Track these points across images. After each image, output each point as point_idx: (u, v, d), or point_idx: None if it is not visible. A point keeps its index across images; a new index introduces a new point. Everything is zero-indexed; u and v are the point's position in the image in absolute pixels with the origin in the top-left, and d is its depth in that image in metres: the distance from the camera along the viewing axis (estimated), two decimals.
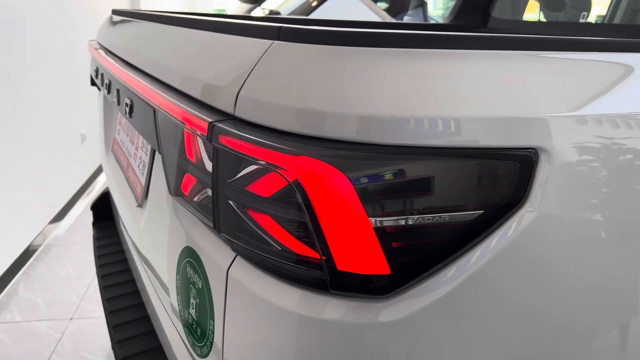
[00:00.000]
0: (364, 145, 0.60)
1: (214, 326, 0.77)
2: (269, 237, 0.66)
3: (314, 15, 4.27)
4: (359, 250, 0.62)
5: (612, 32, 1.81)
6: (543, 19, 2.86)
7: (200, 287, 0.81)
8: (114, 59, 1.28)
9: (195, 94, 0.77)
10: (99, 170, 4.10)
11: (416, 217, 0.62)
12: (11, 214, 2.61)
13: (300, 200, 0.61)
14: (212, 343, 0.78)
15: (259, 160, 0.62)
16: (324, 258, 0.63)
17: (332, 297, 0.65)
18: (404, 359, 0.65)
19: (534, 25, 2.27)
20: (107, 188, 1.79)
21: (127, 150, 1.39)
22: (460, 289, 0.64)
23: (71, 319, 2.32)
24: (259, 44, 0.70)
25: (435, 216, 0.62)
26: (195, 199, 0.80)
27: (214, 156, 0.70)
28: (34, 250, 2.83)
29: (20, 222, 2.72)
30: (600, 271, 0.71)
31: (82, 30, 3.70)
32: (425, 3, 5.45)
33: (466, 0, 2.21)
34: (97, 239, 1.69)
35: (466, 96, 0.62)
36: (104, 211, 1.79)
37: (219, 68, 0.75)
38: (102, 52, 1.44)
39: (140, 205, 1.17)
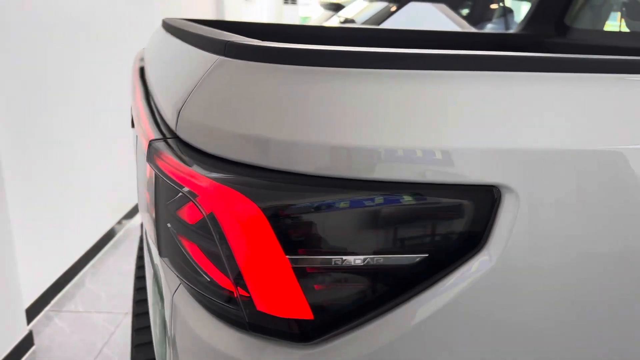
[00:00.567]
0: (284, 174, 0.54)
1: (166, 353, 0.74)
2: (198, 267, 0.61)
3: (385, 25, 4.16)
4: (278, 290, 0.55)
5: None
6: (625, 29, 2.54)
7: (160, 308, 0.79)
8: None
9: (160, 108, 0.75)
10: None
11: (343, 257, 0.54)
12: (86, 208, 2.79)
13: (215, 232, 0.56)
14: None
15: (182, 185, 0.58)
16: (243, 296, 0.57)
17: (255, 338, 0.59)
18: None
19: (616, 36, 2.03)
20: None
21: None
22: (392, 346, 0.55)
23: (126, 313, 2.43)
24: (209, 59, 0.66)
25: (366, 257, 0.55)
26: (154, 216, 0.78)
27: (155, 175, 0.67)
28: (104, 244, 3.01)
29: (94, 216, 2.90)
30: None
31: None
32: (511, 11, 5.09)
33: (539, 7, 2.03)
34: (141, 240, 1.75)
35: (401, 123, 0.54)
36: None
37: (174, 82, 0.72)
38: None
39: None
